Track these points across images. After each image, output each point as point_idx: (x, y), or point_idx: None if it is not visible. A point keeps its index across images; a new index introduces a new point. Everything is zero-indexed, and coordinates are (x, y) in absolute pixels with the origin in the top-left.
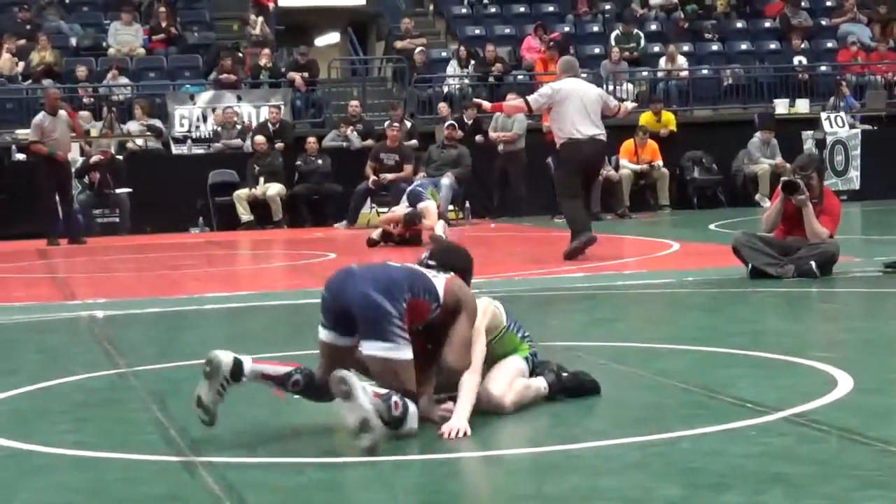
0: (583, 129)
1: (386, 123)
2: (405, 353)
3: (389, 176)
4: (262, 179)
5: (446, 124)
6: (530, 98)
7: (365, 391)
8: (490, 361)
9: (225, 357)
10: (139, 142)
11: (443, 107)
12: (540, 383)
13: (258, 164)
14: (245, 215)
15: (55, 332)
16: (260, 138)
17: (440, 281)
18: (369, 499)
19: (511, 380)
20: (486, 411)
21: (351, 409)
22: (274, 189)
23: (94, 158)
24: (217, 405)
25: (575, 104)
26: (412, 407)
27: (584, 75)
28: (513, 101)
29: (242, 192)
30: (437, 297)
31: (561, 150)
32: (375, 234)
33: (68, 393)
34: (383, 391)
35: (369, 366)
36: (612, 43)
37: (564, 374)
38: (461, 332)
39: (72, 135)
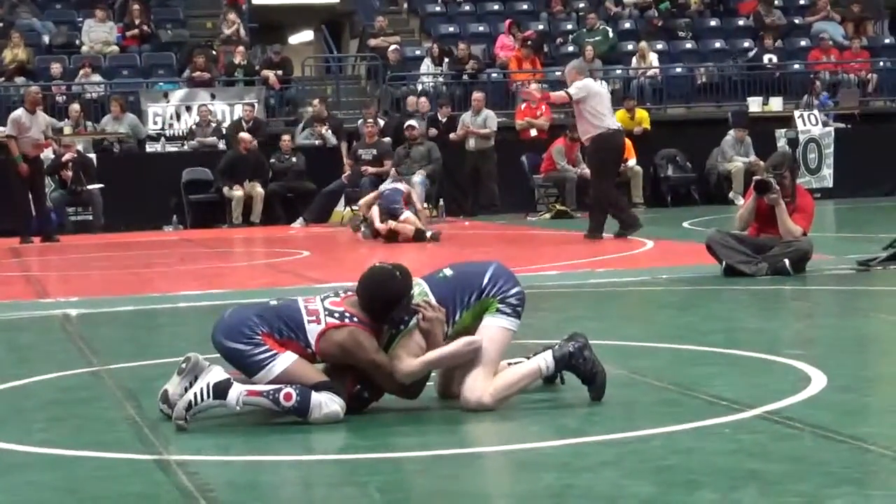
0: (612, 122)
1: (360, 122)
2: (280, 364)
3: (371, 169)
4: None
5: (405, 125)
6: (570, 91)
7: (209, 389)
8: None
9: (203, 359)
10: (112, 140)
11: (412, 101)
12: (538, 364)
13: (243, 162)
14: (237, 216)
15: (28, 330)
16: (246, 136)
17: (314, 328)
18: (343, 496)
19: (488, 370)
20: (466, 409)
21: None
22: (258, 188)
23: (66, 156)
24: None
25: (603, 100)
26: (317, 395)
27: (559, 73)
28: (558, 93)
29: (238, 193)
30: (309, 343)
31: (596, 141)
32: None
33: (41, 391)
34: (266, 387)
35: None
36: (576, 40)
37: (582, 357)
38: (381, 380)
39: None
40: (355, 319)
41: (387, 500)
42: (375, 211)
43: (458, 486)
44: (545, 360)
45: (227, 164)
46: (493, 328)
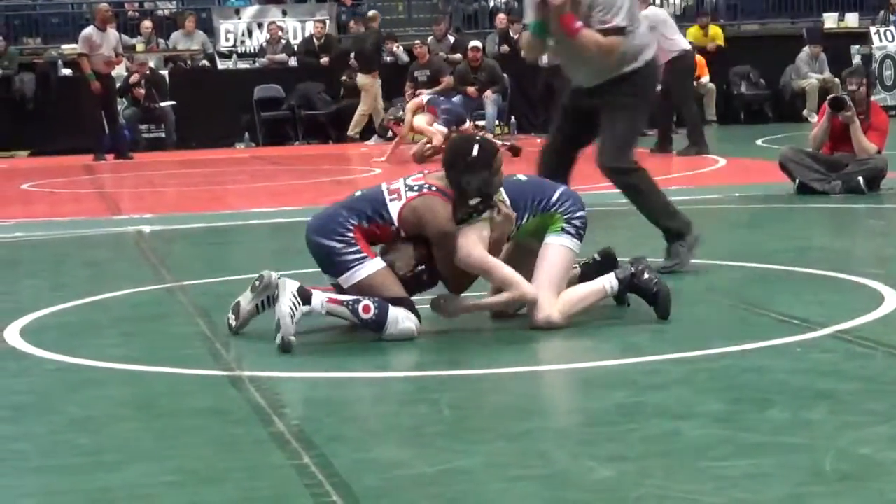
0: (684, 42)
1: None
2: (366, 270)
3: (427, 92)
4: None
5: (469, 45)
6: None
7: (296, 296)
8: (522, 249)
9: (276, 277)
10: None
11: (502, 18)
12: (602, 284)
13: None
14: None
15: (102, 246)
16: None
17: (396, 205)
18: (414, 412)
19: (554, 288)
20: (533, 327)
21: (276, 311)
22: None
23: (139, 74)
24: (250, 318)
25: (671, 24)
26: (394, 310)
27: None
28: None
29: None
30: (392, 221)
31: (676, 62)
32: (416, 149)
33: (115, 307)
34: (347, 297)
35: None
36: None
37: (643, 276)
38: (442, 257)
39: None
40: (434, 188)
41: (457, 417)
42: (422, 122)
43: (529, 403)
44: (609, 282)
45: (361, 46)
46: (558, 247)
